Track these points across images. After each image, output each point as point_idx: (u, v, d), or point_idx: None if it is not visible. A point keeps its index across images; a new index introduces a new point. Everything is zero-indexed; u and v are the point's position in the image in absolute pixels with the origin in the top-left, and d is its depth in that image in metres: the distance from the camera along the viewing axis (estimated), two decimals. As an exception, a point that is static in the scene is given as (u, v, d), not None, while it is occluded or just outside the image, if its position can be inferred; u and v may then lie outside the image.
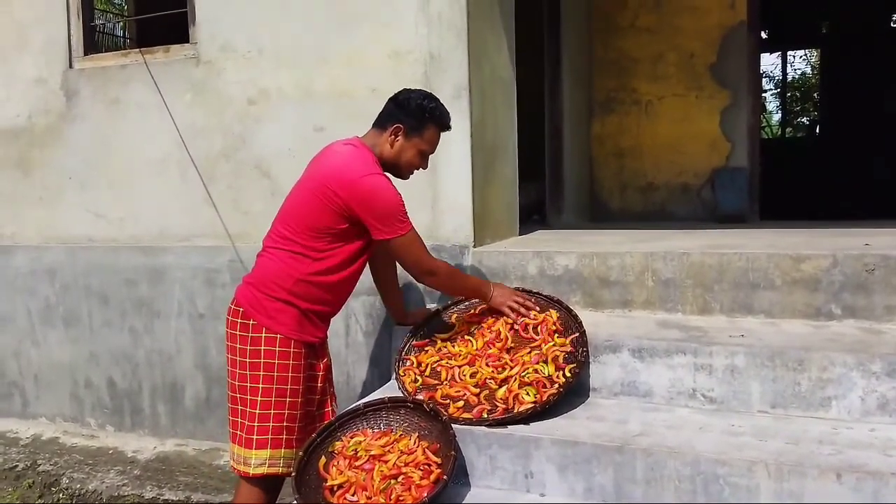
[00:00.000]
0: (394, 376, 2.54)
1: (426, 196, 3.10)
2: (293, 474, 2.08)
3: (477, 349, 2.44)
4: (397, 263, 2.68)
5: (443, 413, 2.17)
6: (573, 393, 2.31)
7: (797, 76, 16.46)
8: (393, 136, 2.32)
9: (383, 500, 1.95)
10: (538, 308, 2.50)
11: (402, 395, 2.37)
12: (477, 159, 3.09)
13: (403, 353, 2.58)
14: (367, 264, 2.48)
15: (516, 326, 2.45)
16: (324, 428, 2.24)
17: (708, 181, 4.95)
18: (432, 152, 2.42)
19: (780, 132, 13.46)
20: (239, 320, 2.26)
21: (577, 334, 2.38)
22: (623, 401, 2.39)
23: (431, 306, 2.78)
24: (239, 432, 2.25)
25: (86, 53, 3.85)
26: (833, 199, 7.22)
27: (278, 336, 2.22)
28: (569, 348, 2.34)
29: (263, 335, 2.22)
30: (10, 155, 3.98)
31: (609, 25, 5.11)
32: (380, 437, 2.18)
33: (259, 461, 2.22)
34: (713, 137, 4.92)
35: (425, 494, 1.92)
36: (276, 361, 2.22)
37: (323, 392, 2.40)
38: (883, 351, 2.16)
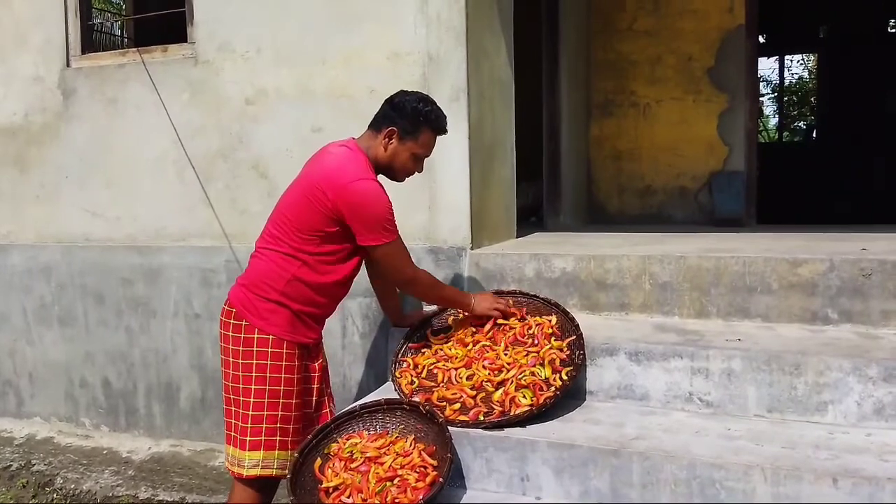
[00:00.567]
0: (390, 378, 2.54)
1: (423, 197, 3.10)
2: (289, 476, 2.07)
3: (474, 352, 2.44)
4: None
5: (439, 415, 2.16)
6: (570, 396, 2.31)
7: (794, 81, 16.50)
8: (387, 139, 2.29)
9: (379, 502, 1.95)
10: (518, 314, 2.52)
11: (398, 397, 2.36)
12: (475, 161, 3.09)
13: (400, 354, 2.57)
14: (364, 266, 2.47)
15: (515, 331, 2.45)
16: (319, 429, 2.23)
17: (705, 185, 4.96)
18: (427, 156, 2.40)
19: (776, 136, 13.49)
20: (232, 321, 2.25)
21: (573, 337, 2.38)
22: (619, 404, 2.39)
23: (428, 308, 2.78)
24: (233, 433, 2.25)
25: (83, 52, 3.84)
26: (830, 203, 7.24)
27: (271, 337, 2.21)
28: (566, 351, 2.34)
29: (256, 336, 2.21)
30: (6, 153, 3.96)
31: (608, 28, 5.11)
32: (376, 439, 2.18)
33: (252, 462, 2.21)
34: (711, 141, 4.93)
35: (421, 497, 1.92)
36: (269, 362, 2.21)
37: (320, 393, 2.38)
38: (879, 356, 2.16)
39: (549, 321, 2.47)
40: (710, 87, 4.90)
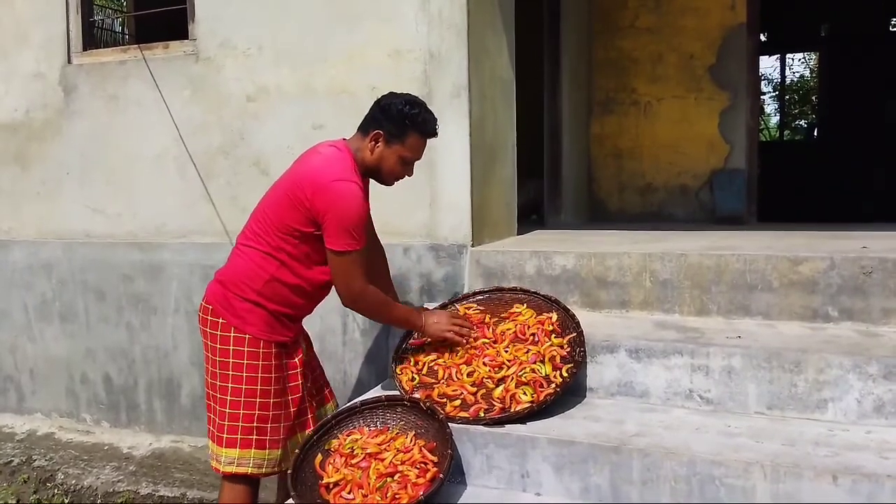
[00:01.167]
0: (391, 375, 2.54)
1: (425, 195, 3.10)
2: (289, 472, 2.08)
3: (474, 349, 2.44)
4: (386, 263, 2.66)
5: (439, 412, 2.17)
6: (570, 393, 2.32)
7: (796, 79, 16.48)
8: (373, 143, 2.23)
9: (379, 498, 1.95)
10: (476, 329, 2.44)
11: (398, 393, 2.37)
12: (476, 158, 3.08)
13: (400, 351, 2.57)
14: None
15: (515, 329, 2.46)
16: (320, 425, 2.24)
17: (706, 183, 4.96)
18: (417, 159, 2.32)
19: (778, 135, 13.48)
20: (209, 318, 2.24)
21: (574, 334, 2.38)
22: (620, 401, 2.39)
23: (428, 305, 2.78)
24: (212, 428, 2.25)
25: (84, 49, 3.84)
26: (831, 201, 7.23)
27: (247, 336, 2.20)
28: (566, 348, 2.34)
29: (233, 335, 2.20)
30: (7, 150, 3.97)
31: (609, 26, 5.11)
32: (376, 435, 2.19)
33: (228, 460, 2.20)
34: (712, 139, 4.93)
35: (421, 493, 1.93)
36: (245, 361, 2.19)
37: (300, 390, 2.32)
38: (879, 353, 2.16)
39: (550, 318, 2.48)
40: (711, 84, 4.90)
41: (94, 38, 3.97)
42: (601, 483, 2.03)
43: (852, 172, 7.87)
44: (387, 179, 2.34)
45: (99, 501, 3.54)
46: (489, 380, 2.30)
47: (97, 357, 3.82)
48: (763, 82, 13.85)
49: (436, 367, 2.43)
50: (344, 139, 2.33)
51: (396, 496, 1.95)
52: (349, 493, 2.01)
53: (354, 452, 2.12)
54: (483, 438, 2.16)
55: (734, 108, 4.87)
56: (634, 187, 5.16)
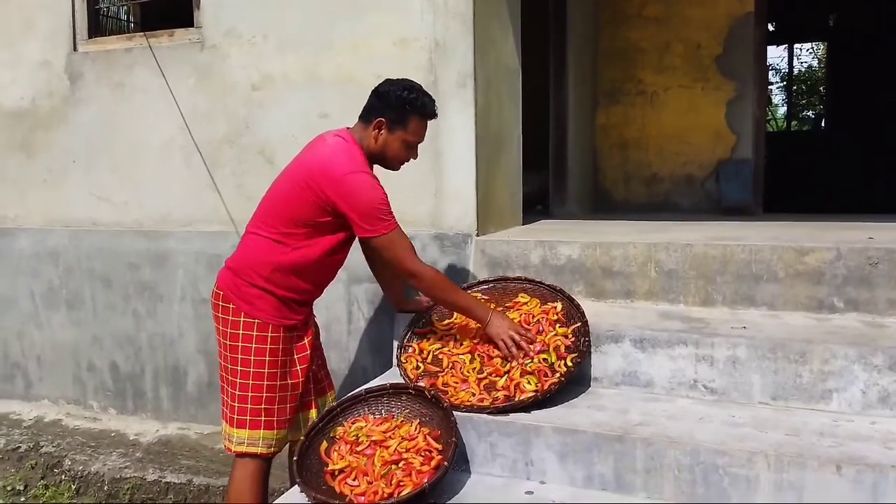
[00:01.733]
0: (395, 363, 2.55)
1: (429, 184, 3.10)
2: (294, 458, 2.09)
3: (479, 337, 2.44)
4: None
5: (444, 400, 2.17)
6: (574, 382, 2.32)
7: (803, 69, 16.38)
8: (376, 131, 2.28)
9: (384, 485, 1.96)
10: (532, 352, 2.31)
11: (403, 381, 2.38)
12: (481, 148, 3.08)
13: (405, 340, 2.58)
14: (363, 253, 2.47)
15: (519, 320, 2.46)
16: (326, 413, 2.25)
17: (713, 173, 4.93)
18: (420, 142, 2.37)
19: (785, 125, 13.41)
20: (220, 303, 2.29)
21: (579, 324, 2.39)
22: (624, 390, 2.40)
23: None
24: (225, 410, 2.31)
25: (90, 37, 3.84)
26: (838, 192, 7.20)
27: (257, 321, 2.24)
28: (571, 338, 2.34)
29: (242, 319, 2.25)
30: (14, 137, 3.97)
31: (616, 15, 5.07)
32: (381, 423, 2.20)
33: (239, 440, 2.27)
34: (718, 129, 4.90)
35: (426, 480, 1.93)
36: (254, 346, 2.24)
37: (305, 374, 2.35)
38: (885, 344, 2.16)
39: (555, 308, 2.48)
40: (718, 75, 4.86)
41: (99, 25, 3.97)
42: (605, 471, 2.04)
43: (859, 163, 7.82)
44: (393, 165, 2.38)
45: (106, 487, 3.56)
46: (493, 370, 2.31)
47: (104, 344, 3.84)
48: (770, 72, 13.76)
49: (440, 356, 2.44)
50: (347, 128, 2.35)
51: (401, 483, 1.96)
52: (354, 479, 2.02)
53: (359, 440, 2.13)
54: (487, 427, 2.16)
55: (741, 99, 4.83)
56: (640, 177, 5.14)
